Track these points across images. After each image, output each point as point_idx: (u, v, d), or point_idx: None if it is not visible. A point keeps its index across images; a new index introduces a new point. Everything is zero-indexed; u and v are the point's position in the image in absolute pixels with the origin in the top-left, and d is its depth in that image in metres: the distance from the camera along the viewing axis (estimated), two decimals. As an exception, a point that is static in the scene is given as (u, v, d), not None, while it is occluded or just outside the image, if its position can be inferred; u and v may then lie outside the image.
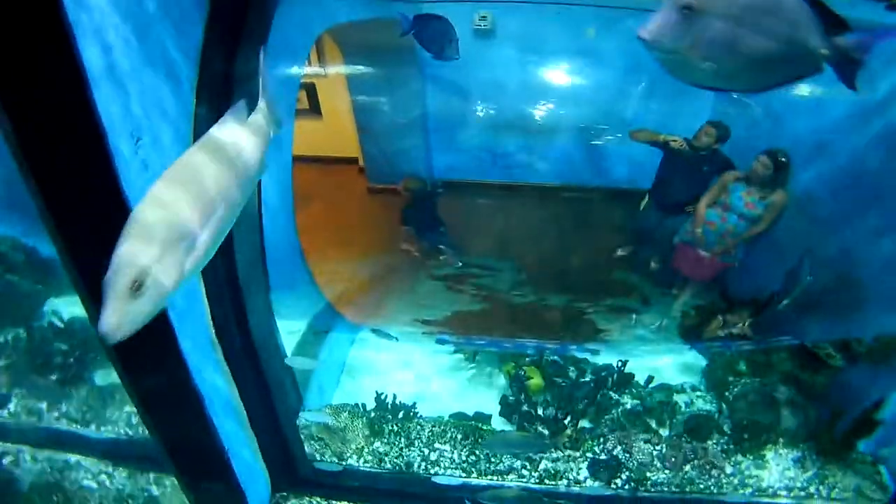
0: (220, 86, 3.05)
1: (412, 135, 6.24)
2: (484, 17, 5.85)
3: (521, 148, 6.02)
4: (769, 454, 4.52)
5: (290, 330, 4.82)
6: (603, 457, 4.50)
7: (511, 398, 4.69)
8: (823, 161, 4.88)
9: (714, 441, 4.57)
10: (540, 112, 5.78)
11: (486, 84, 5.96)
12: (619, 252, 5.47)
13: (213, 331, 3.34)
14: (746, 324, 4.92)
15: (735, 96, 5.52)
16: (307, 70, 6.10)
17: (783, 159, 4.78)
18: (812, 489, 4.37)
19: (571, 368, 4.92)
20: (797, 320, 4.76)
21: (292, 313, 4.91)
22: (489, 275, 5.65)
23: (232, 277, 3.45)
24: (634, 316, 5.14)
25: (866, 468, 4.45)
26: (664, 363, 5.12)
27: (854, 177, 4.68)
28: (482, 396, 4.94)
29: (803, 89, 4.97)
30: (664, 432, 4.67)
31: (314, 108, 6.82)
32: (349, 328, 5.39)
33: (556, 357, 4.92)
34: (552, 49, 5.72)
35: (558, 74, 5.81)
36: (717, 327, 4.97)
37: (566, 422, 4.57)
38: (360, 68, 6.12)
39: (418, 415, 4.84)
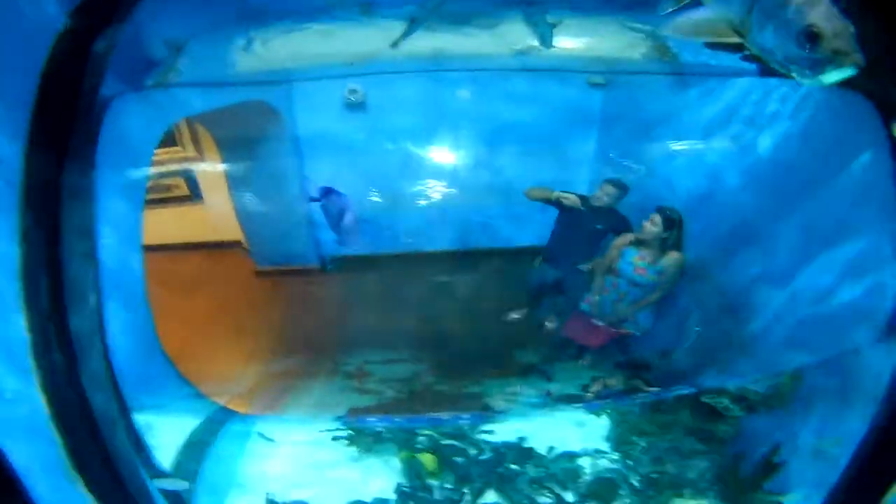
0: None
1: (294, 213, 6.07)
2: (354, 90, 5.82)
3: (405, 217, 5.90)
4: (677, 508, 4.33)
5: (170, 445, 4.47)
6: (505, 536, 4.23)
7: (406, 487, 4.38)
8: (708, 216, 4.90)
9: (619, 503, 4.37)
10: (420, 180, 5.71)
11: (364, 157, 5.88)
12: (513, 315, 5.30)
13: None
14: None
15: (618, 159, 5.60)
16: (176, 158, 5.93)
17: (673, 217, 4.70)
18: (724, 539, 4.20)
19: (471, 448, 4.66)
20: (693, 373, 4.69)
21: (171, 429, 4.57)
22: (388, 364, 5.41)
23: (84, 409, 3.10)
24: (519, 387, 4.94)
25: (772, 510, 4.32)
26: (567, 431, 4.91)
27: (734, 228, 4.72)
28: (379, 487, 4.61)
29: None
30: (569, 498, 4.43)
31: (194, 194, 6.59)
32: (240, 434, 5.01)
33: (453, 441, 4.65)
34: (427, 117, 5.70)
35: (435, 142, 5.77)
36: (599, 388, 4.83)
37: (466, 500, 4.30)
38: (234, 152, 5.98)
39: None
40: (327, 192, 4.43)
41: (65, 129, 2.86)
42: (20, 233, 2.66)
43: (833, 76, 2.04)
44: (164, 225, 6.38)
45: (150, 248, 6.45)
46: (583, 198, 5.15)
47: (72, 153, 2.90)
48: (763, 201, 4.58)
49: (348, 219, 3.84)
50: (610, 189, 5.09)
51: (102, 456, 3.14)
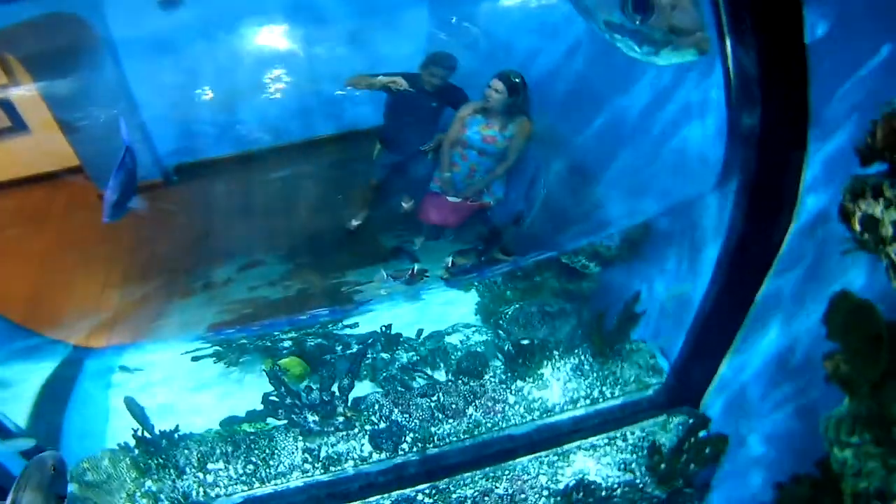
0: None
1: (125, 126, 5.51)
2: (165, -14, 5.10)
3: (244, 114, 5.41)
4: (547, 371, 4.37)
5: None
6: (382, 425, 4.21)
7: (272, 396, 4.28)
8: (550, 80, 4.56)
9: (491, 375, 4.37)
10: (252, 74, 5.17)
11: (188, 57, 5.26)
12: (353, 223, 5.07)
13: None
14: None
15: (453, 21, 5.12)
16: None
17: (516, 80, 4.35)
18: (596, 393, 4.29)
19: (337, 344, 4.55)
20: (550, 234, 4.57)
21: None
22: (248, 270, 5.12)
23: None
24: (385, 273, 4.75)
25: (642, 356, 4.41)
26: (435, 311, 4.82)
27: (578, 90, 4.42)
28: (252, 398, 4.51)
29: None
30: (440, 377, 4.42)
31: (18, 125, 5.93)
32: (101, 370, 4.78)
33: (320, 340, 4.51)
34: (246, 8, 5.06)
35: (259, 33, 5.17)
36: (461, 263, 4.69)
37: (336, 401, 4.23)
38: (48, 73, 5.30)
39: (184, 437, 4.37)
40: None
41: None
42: None
43: (667, 58, 1.54)
44: None
45: None
46: (411, 77, 4.72)
47: None
48: (602, 59, 4.28)
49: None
50: (437, 70, 4.67)
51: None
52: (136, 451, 4.29)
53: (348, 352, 4.46)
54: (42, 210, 5.70)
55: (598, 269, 4.39)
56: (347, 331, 4.56)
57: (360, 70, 4.79)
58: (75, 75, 5.30)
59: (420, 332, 4.56)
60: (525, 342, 4.36)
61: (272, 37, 5.15)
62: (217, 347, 4.52)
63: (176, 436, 4.32)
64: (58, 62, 5.18)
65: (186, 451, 4.29)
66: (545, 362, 4.37)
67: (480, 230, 4.90)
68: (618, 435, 4.06)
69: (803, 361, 3.18)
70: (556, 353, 4.39)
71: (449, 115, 4.73)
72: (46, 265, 5.27)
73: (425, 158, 4.88)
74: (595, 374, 4.35)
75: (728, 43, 2.66)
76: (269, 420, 4.31)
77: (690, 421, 3.96)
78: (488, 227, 4.87)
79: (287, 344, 4.48)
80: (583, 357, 4.42)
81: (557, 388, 4.31)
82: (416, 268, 4.39)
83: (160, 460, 4.26)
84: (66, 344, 4.63)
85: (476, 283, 4.76)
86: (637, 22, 1.47)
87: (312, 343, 4.49)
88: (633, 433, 4.05)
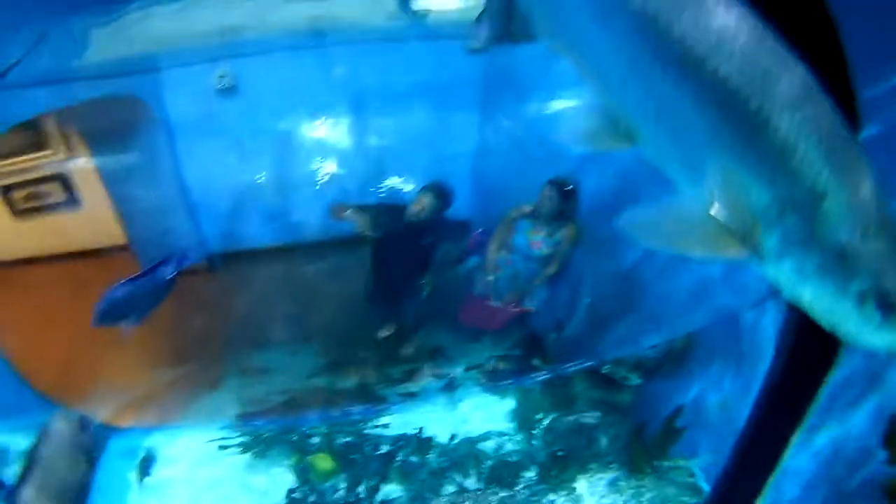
0: None
1: (175, 210, 5.68)
2: (223, 75, 5.39)
3: (292, 204, 5.54)
4: (581, 486, 4.19)
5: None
6: (406, 532, 4.05)
7: (296, 493, 4.15)
8: (592, 181, 4.63)
9: (523, 486, 4.20)
10: (303, 163, 5.36)
11: (239, 146, 5.48)
12: (383, 333, 5.01)
13: None
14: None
15: (504, 123, 5.28)
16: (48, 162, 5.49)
17: (569, 188, 4.44)
18: (630, 510, 4.08)
19: (367, 444, 4.43)
20: (591, 343, 4.50)
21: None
22: (281, 361, 5.11)
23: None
24: (423, 374, 4.68)
25: (680, 475, 4.21)
26: (469, 415, 4.70)
27: (621, 189, 4.47)
28: (277, 493, 4.37)
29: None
30: (471, 485, 4.26)
31: (72, 200, 6.16)
32: (126, 450, 4.69)
33: (348, 439, 4.40)
34: (301, 99, 5.31)
35: (313, 125, 5.40)
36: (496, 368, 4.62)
37: (362, 502, 4.09)
38: (106, 151, 5.54)
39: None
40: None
41: None
42: None
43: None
44: (42, 234, 5.97)
45: (27, 261, 6.08)
46: (397, 209, 4.69)
47: None
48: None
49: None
50: (428, 199, 4.55)
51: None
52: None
53: (377, 452, 4.34)
54: (84, 284, 5.80)
55: (639, 380, 4.28)
56: (379, 430, 4.45)
57: (409, 166, 4.94)
58: (133, 156, 5.55)
59: (453, 436, 4.44)
60: (560, 453, 4.23)
61: (324, 129, 5.36)
62: (245, 438, 4.43)
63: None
64: (116, 141, 5.43)
65: (204, 549, 4.16)
66: (579, 476, 4.20)
67: (520, 335, 4.85)
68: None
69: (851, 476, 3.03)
70: (591, 466, 4.23)
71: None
72: (81, 339, 5.31)
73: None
74: (631, 492, 4.16)
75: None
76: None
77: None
78: (528, 332, 4.82)
79: (316, 440, 4.37)
80: (619, 472, 4.24)
81: (591, 502, 4.12)
82: (453, 373, 4.34)
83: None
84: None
85: (513, 390, 4.65)
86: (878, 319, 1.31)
87: (342, 441, 4.38)
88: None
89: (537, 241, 4.53)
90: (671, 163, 1.55)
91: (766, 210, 1.32)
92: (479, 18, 3.42)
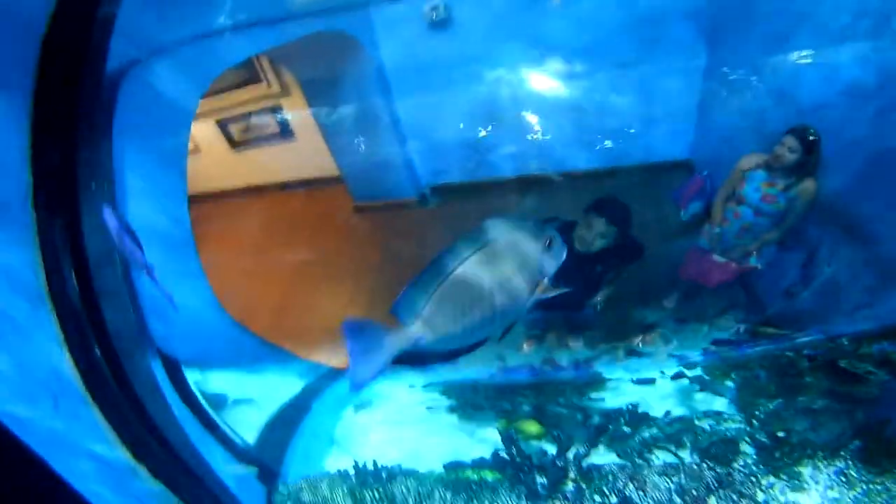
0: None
1: (389, 146, 5.57)
2: (435, 7, 5.09)
3: (507, 140, 5.27)
4: (806, 472, 3.89)
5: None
6: (613, 499, 3.94)
7: (503, 453, 4.13)
8: (838, 134, 3.99)
9: (741, 465, 3.95)
10: (517, 101, 5.05)
11: (454, 85, 5.21)
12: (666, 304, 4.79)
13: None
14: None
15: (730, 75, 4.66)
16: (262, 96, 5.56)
17: (812, 138, 3.88)
18: (862, 509, 3.75)
19: (578, 414, 4.30)
20: (823, 318, 4.03)
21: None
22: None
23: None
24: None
25: (927, 475, 3.80)
26: (685, 395, 4.43)
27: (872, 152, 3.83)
28: (482, 451, 4.37)
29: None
30: (685, 457, 4.06)
31: (285, 132, 6.20)
32: (338, 391, 4.82)
33: (560, 408, 4.27)
34: (517, 30, 4.91)
35: (527, 59, 5.00)
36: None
37: (569, 466, 4.01)
38: (319, 89, 5.49)
39: (405, 474, 4.34)
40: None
41: (72, 107, 2.44)
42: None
43: None
44: (257, 166, 6.13)
45: (245, 191, 6.28)
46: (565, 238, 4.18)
47: (85, 131, 2.50)
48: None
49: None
50: (600, 225, 4.01)
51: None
52: (355, 481, 4.31)
53: (589, 422, 4.22)
54: (297, 217, 5.94)
55: (886, 377, 3.82)
56: (591, 403, 4.31)
57: (624, 111, 4.52)
58: (346, 94, 5.46)
59: (667, 412, 4.22)
60: (783, 435, 3.92)
61: (535, 67, 4.98)
62: (453, 400, 4.45)
63: (397, 472, 4.31)
64: (330, 80, 5.35)
65: (404, 489, 4.26)
66: (805, 461, 3.90)
67: (738, 297, 4.47)
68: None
69: None
70: (820, 453, 3.90)
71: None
72: (294, 276, 5.45)
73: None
74: (863, 486, 3.81)
75: None
76: (495, 473, 4.17)
77: None
78: (750, 295, 4.43)
79: (527, 408, 4.31)
80: (849, 462, 3.89)
81: (816, 493, 3.82)
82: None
83: (377, 493, 4.25)
84: (310, 362, 4.72)
85: (734, 374, 4.30)
86: None
87: (553, 409, 4.28)
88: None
89: (772, 194, 4.04)
90: None
91: None
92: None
